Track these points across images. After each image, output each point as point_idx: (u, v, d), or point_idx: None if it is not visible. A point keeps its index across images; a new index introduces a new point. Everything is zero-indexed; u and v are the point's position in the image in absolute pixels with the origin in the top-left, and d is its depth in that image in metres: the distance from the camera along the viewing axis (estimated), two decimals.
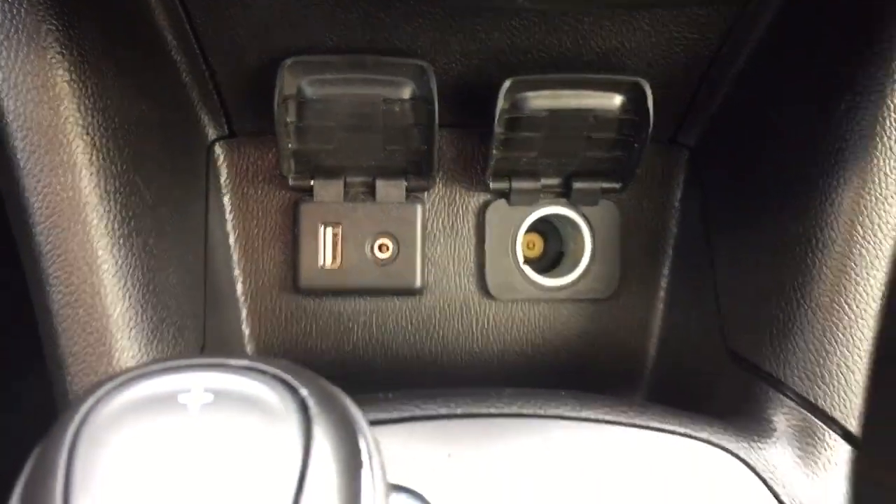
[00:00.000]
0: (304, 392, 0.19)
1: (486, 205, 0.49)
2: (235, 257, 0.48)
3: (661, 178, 0.50)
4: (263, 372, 0.20)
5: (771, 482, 0.39)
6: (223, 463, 0.18)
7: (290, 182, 0.47)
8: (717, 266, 0.46)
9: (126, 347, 0.37)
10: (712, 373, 0.45)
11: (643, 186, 0.50)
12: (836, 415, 0.40)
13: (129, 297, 0.37)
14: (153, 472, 0.17)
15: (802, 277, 0.40)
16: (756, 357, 0.42)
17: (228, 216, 0.48)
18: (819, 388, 0.40)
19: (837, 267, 0.39)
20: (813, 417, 0.40)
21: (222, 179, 0.48)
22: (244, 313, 0.48)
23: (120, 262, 0.37)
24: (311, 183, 0.47)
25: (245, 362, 0.20)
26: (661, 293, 0.50)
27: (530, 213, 0.49)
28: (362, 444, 0.20)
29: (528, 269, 0.50)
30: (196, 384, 0.19)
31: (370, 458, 0.20)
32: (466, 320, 0.50)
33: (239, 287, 0.48)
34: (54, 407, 0.41)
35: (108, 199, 0.37)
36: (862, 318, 0.40)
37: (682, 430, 0.40)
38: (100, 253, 0.37)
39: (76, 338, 0.36)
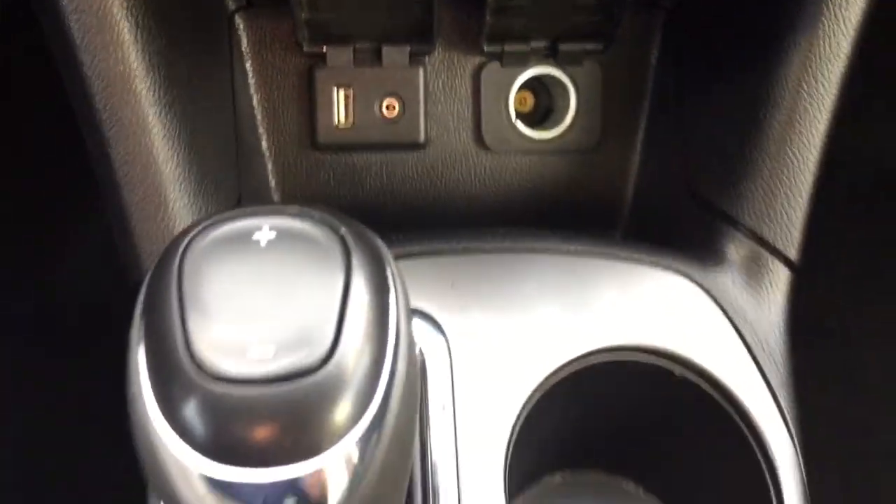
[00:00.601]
0: (343, 230, 0.26)
1: (481, 66, 0.55)
2: (259, 118, 0.54)
3: (639, 40, 0.55)
4: (311, 215, 0.26)
5: (723, 302, 0.47)
6: (288, 280, 0.24)
7: (305, 49, 0.52)
8: (687, 121, 0.52)
9: (177, 198, 0.44)
10: (678, 214, 0.52)
11: (624, 48, 0.55)
12: (780, 245, 0.47)
13: (177, 156, 0.43)
14: (240, 284, 0.24)
15: (756, 130, 0.46)
16: (715, 199, 0.49)
17: (251, 81, 0.53)
18: (766, 223, 0.47)
19: (785, 120, 0.46)
20: (760, 248, 0.48)
21: (243, 48, 0.53)
22: (270, 167, 0.55)
23: (167, 125, 0.43)
24: (324, 49, 0.52)
25: (296, 209, 0.27)
26: (638, 145, 0.57)
27: (521, 74, 0.55)
28: (388, 272, 0.26)
29: (519, 124, 0.56)
30: (263, 225, 0.25)
31: (395, 282, 0.26)
32: (465, 169, 0.57)
33: (264, 144, 0.54)
34: (114, 250, 0.48)
35: (153, 71, 0.42)
36: (804, 164, 0.46)
37: (650, 259, 0.47)
38: (150, 118, 0.43)
39: (136, 190, 0.43)
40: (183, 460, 0.22)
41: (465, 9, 0.53)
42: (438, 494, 0.40)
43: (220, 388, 0.22)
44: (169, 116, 0.43)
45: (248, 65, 0.53)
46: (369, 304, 0.24)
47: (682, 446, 0.51)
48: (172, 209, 0.43)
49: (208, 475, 0.22)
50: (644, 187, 0.56)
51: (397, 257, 0.44)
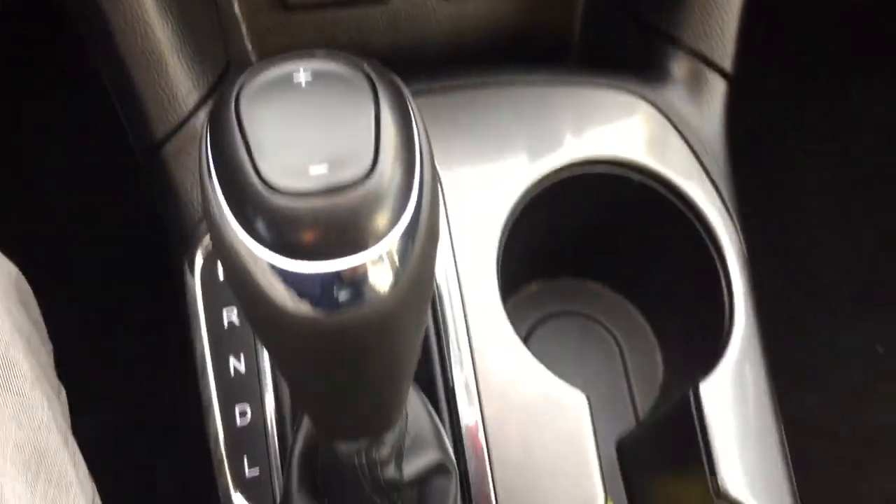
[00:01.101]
0: (366, 68, 0.31)
1: None
2: None
3: None
4: (338, 57, 0.31)
5: (670, 115, 0.53)
6: (329, 112, 0.29)
7: None
8: None
9: (176, 64, 0.47)
10: (624, 39, 0.57)
11: None
12: (716, 59, 0.53)
13: (170, 24, 0.47)
14: (291, 118, 0.29)
15: None
16: (657, 22, 0.54)
17: None
18: (703, 40, 0.53)
19: None
20: (699, 63, 0.54)
21: None
22: (245, 31, 0.58)
23: None
24: None
25: (324, 52, 0.31)
26: None
27: None
28: (408, 101, 0.31)
29: None
30: (300, 68, 0.30)
31: (413, 109, 0.31)
32: (425, 18, 0.60)
33: (237, 9, 0.57)
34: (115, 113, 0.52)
35: None
36: None
37: (605, 82, 0.53)
38: None
39: (138, 57, 0.46)
40: (262, 257, 0.27)
41: None
42: (444, 304, 0.47)
43: (288, 202, 0.27)
44: None
45: None
46: (397, 127, 0.29)
47: (641, 246, 0.59)
48: (173, 74, 0.47)
49: (283, 267, 0.27)
50: (591, 18, 0.61)
51: None
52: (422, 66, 0.61)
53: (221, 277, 0.47)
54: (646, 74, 0.54)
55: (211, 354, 0.47)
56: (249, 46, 0.58)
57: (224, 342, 0.47)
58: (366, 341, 0.30)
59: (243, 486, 0.45)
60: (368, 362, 0.32)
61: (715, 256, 0.53)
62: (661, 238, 0.56)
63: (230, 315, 0.48)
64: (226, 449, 0.46)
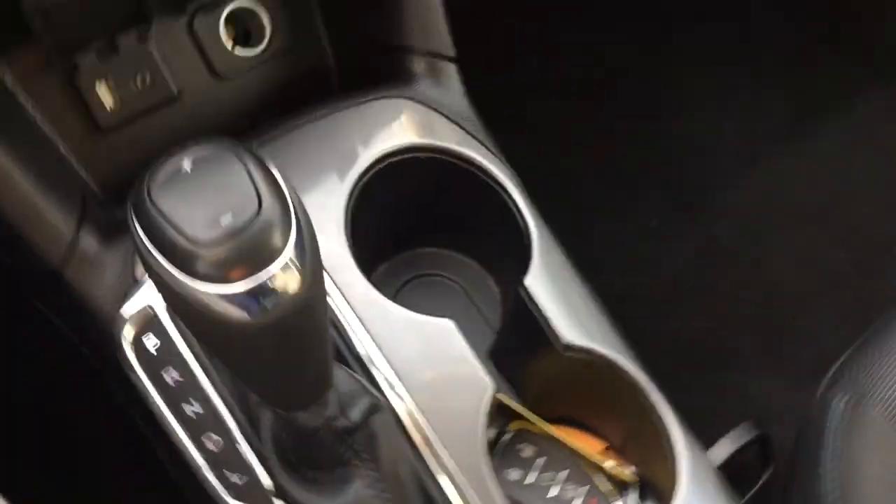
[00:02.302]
0: (226, 144, 0.41)
1: (191, 19, 0.70)
2: (49, 130, 0.67)
3: None
4: (203, 143, 0.42)
5: (427, 102, 0.69)
6: (216, 181, 0.40)
7: (56, 64, 0.65)
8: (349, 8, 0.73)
9: (49, 203, 0.58)
10: (375, 64, 0.73)
11: None
12: (442, 51, 0.70)
13: (31, 173, 0.58)
14: (190, 192, 0.39)
15: None
16: (393, 41, 0.71)
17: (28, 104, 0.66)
18: (428, 41, 0.70)
19: None
20: (431, 58, 0.71)
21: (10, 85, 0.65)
22: (75, 162, 0.69)
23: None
24: (74, 58, 0.65)
25: (192, 142, 0.40)
26: (321, 25, 0.76)
27: (221, 13, 0.71)
28: (262, 157, 0.41)
29: (237, 49, 0.73)
30: (183, 158, 0.39)
31: (267, 160, 0.42)
32: (215, 100, 0.72)
33: (62, 147, 0.68)
34: None
35: None
36: None
37: (371, 96, 0.68)
38: None
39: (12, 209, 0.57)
40: (206, 290, 0.37)
41: None
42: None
43: (217, 247, 0.38)
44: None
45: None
46: (264, 174, 0.38)
47: (456, 208, 0.74)
48: (48, 212, 0.58)
49: (222, 293, 0.37)
50: (342, 57, 0.76)
51: None
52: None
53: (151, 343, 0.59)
54: (399, 80, 0.70)
55: (173, 414, 0.58)
56: (85, 173, 0.69)
57: (176, 397, 0.59)
58: (295, 325, 0.41)
59: (237, 492, 0.58)
60: (303, 340, 0.44)
61: (501, 191, 0.69)
62: (464, 196, 0.71)
63: (171, 375, 0.59)
64: (211, 470, 0.57)
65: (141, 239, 0.37)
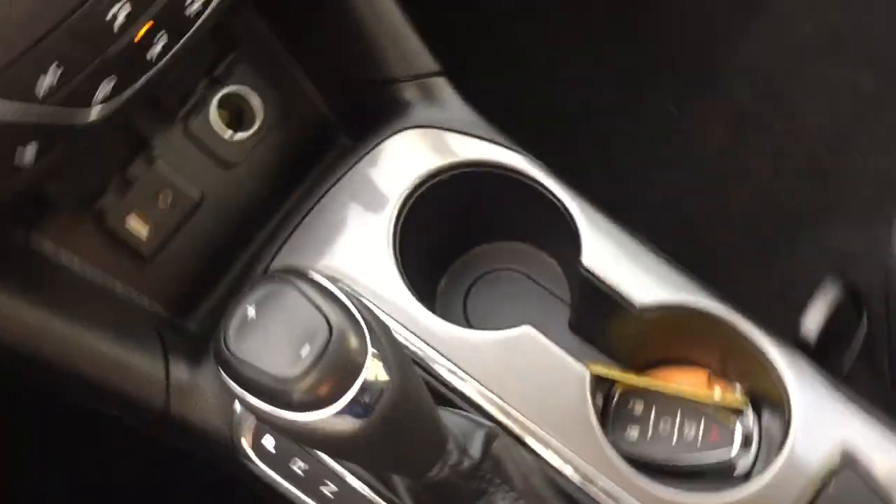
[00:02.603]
0: (278, 276, 0.44)
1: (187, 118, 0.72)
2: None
3: None
4: (259, 284, 0.44)
5: (435, 123, 0.70)
6: (282, 317, 0.42)
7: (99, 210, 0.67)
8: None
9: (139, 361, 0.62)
10: (372, 102, 0.73)
11: None
12: (425, 70, 0.71)
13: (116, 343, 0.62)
14: (261, 335, 0.42)
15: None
16: (378, 77, 0.71)
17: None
18: (408, 67, 0.70)
19: None
20: (420, 79, 0.71)
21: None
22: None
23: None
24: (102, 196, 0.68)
25: (248, 287, 0.44)
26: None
27: (212, 100, 0.73)
28: (313, 276, 0.44)
29: (230, 133, 0.74)
30: (246, 305, 0.43)
31: (319, 278, 0.45)
32: (224, 184, 0.73)
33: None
34: None
35: None
36: None
37: (397, 130, 0.70)
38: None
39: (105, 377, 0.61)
40: (309, 419, 0.40)
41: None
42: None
43: (303, 382, 0.41)
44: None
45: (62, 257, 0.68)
46: (323, 296, 0.40)
47: (500, 211, 0.75)
48: (138, 366, 0.62)
49: (325, 416, 0.40)
50: (337, 105, 0.77)
51: None
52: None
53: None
54: (396, 111, 0.71)
55: (312, 500, 0.62)
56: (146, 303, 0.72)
57: (310, 483, 0.62)
58: (401, 411, 0.44)
59: None
60: (412, 419, 0.47)
61: (529, 181, 0.70)
62: (496, 196, 0.72)
63: (297, 465, 0.63)
64: None
65: (236, 390, 0.40)
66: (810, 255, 1.17)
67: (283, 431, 0.44)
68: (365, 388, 0.40)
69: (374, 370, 0.41)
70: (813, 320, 0.95)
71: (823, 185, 1.19)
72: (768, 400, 0.68)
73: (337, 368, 0.40)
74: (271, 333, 0.40)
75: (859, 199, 1.15)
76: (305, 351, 0.39)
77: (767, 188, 1.20)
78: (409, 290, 0.64)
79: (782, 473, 0.60)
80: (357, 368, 0.40)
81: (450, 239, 0.75)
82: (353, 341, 0.40)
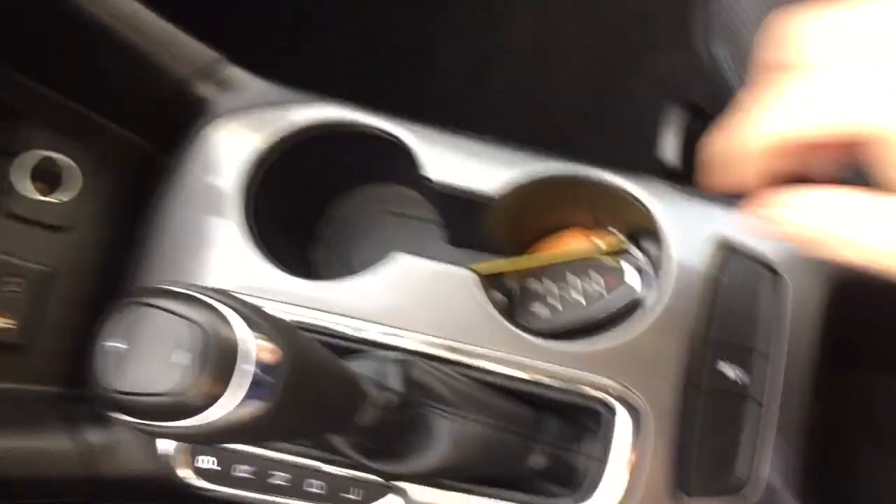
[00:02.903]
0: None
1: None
2: None
3: None
4: None
5: (243, 106, 0.70)
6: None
7: None
8: None
9: None
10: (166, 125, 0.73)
11: None
12: (210, 63, 0.71)
13: None
14: (135, 363, 0.44)
15: None
16: (166, 88, 0.71)
17: None
18: (195, 61, 0.70)
19: None
20: (211, 72, 0.71)
21: None
22: None
23: None
24: None
25: None
26: None
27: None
28: None
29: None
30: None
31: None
32: None
33: None
34: None
35: None
36: None
37: (188, 141, 0.69)
38: None
39: None
40: (214, 417, 0.40)
41: None
42: None
43: (191, 384, 0.41)
44: None
45: None
46: (183, 301, 0.41)
47: (344, 163, 0.75)
48: (53, 453, 0.61)
49: (231, 407, 0.42)
50: (141, 128, 0.76)
51: None
52: None
53: None
54: (202, 109, 0.71)
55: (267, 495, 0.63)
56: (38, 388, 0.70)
57: (260, 483, 0.63)
58: (303, 381, 0.45)
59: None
60: (314, 378, 0.48)
61: (368, 129, 0.71)
62: (345, 149, 0.72)
63: (240, 470, 0.63)
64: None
65: (138, 424, 0.40)
66: (644, 90, 1.22)
67: (209, 440, 0.45)
68: (259, 366, 0.41)
69: (259, 348, 0.42)
70: (669, 147, 1.00)
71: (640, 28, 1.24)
72: (643, 231, 0.71)
73: (222, 361, 0.40)
74: (144, 356, 0.40)
75: (670, 30, 1.20)
76: (185, 358, 0.39)
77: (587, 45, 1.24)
78: (279, 267, 0.65)
79: (678, 287, 0.63)
80: (242, 353, 0.41)
81: (305, 205, 0.76)
82: (227, 330, 0.41)
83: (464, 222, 0.72)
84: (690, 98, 1.03)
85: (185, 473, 0.63)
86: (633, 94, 1.20)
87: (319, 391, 0.49)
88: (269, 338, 0.42)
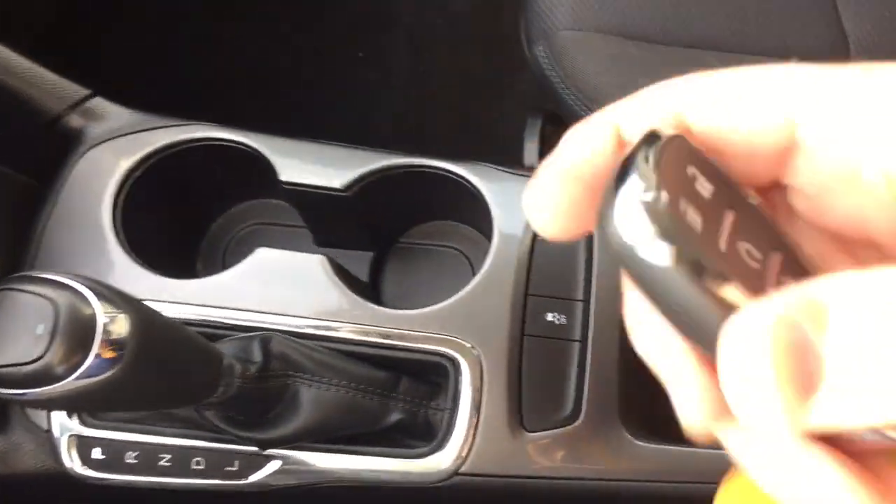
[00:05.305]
0: None
1: None
2: None
3: None
4: None
5: (114, 135, 0.78)
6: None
7: None
8: None
9: None
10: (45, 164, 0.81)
11: None
12: (75, 98, 0.79)
13: None
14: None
15: None
16: (36, 126, 0.78)
17: None
18: (62, 100, 0.78)
19: None
20: (78, 107, 0.79)
21: None
22: None
23: None
24: None
25: None
26: None
27: None
28: None
29: None
30: None
31: None
32: None
33: None
34: None
35: None
36: None
37: (60, 181, 0.77)
38: None
39: None
40: (87, 382, 0.49)
41: None
42: None
43: (58, 350, 0.49)
44: None
45: None
46: (38, 283, 0.51)
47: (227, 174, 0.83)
48: None
49: (96, 369, 0.50)
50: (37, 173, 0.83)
51: None
52: None
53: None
54: (76, 141, 0.78)
55: (156, 478, 0.69)
56: None
57: (147, 467, 0.69)
58: (156, 348, 0.53)
59: (239, 475, 0.69)
60: (168, 347, 0.55)
61: (225, 143, 0.79)
62: (212, 165, 0.80)
63: (129, 456, 0.70)
64: (216, 477, 0.69)
65: (7, 394, 0.47)
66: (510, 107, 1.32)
67: (73, 404, 0.51)
68: (109, 334, 0.48)
69: (110, 319, 0.49)
70: (529, 153, 1.10)
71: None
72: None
73: (78, 331, 0.46)
74: (13, 333, 0.46)
75: None
76: (46, 330, 0.46)
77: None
78: (153, 271, 0.72)
79: (500, 251, 0.72)
80: (96, 323, 0.48)
81: (187, 222, 0.83)
82: (81, 303, 0.47)
83: (321, 221, 0.80)
84: (545, 107, 1.14)
85: (79, 467, 0.69)
86: (502, 112, 1.31)
87: (174, 359, 0.56)
88: (119, 309, 0.49)
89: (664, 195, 0.23)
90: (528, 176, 0.75)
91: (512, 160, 1.03)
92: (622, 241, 0.24)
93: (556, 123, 1.12)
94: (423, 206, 0.83)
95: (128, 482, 0.69)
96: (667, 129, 0.25)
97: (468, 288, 0.71)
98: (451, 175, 0.76)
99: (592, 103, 0.82)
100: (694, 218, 0.24)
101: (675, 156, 0.24)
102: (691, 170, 0.25)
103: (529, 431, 0.69)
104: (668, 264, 0.23)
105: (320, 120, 1.29)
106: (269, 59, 1.32)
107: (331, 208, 0.77)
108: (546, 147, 1.10)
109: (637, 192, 0.23)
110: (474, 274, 0.73)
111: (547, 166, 0.27)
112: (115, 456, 0.69)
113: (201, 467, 0.69)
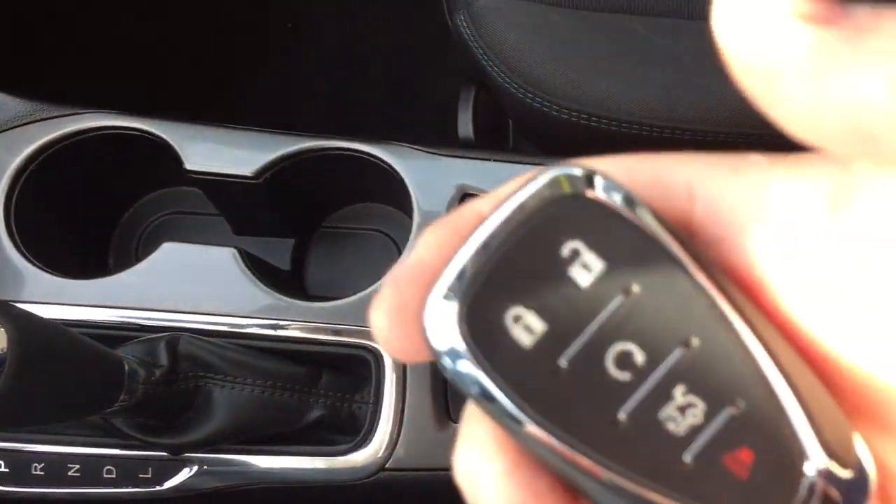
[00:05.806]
0: None
1: None
2: None
3: None
4: None
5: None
6: None
7: None
8: None
9: None
10: None
11: None
12: None
13: None
14: None
15: None
16: None
17: None
18: None
19: None
20: None
21: None
22: None
23: None
24: None
25: None
26: None
27: None
28: None
29: None
30: None
31: None
32: None
33: None
34: None
35: None
36: None
37: None
38: None
39: None
40: None
41: None
42: None
43: None
44: None
45: None
46: None
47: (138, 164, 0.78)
48: None
49: None
50: None
51: None
52: None
53: None
54: None
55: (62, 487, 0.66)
56: None
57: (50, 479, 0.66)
58: (39, 356, 0.49)
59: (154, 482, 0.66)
60: (61, 358, 0.52)
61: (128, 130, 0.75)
62: (125, 155, 0.76)
63: (36, 468, 0.66)
64: (126, 485, 0.66)
65: None
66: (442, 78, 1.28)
67: None
68: None
69: None
70: (462, 123, 1.06)
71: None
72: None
73: None
74: None
75: None
76: None
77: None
78: (47, 270, 0.68)
79: (422, 228, 0.69)
80: None
81: (98, 213, 0.79)
82: None
83: (234, 209, 0.77)
84: (476, 76, 1.10)
85: None
86: (434, 84, 1.27)
87: (64, 370, 0.52)
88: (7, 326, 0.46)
89: (477, 303, 0.19)
90: (445, 155, 0.73)
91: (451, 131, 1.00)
92: (432, 348, 0.20)
93: (488, 92, 1.08)
94: (343, 190, 0.79)
95: (37, 495, 0.66)
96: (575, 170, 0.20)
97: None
98: (367, 157, 0.72)
99: (514, 74, 0.78)
100: (529, 327, 0.19)
101: (537, 234, 0.19)
102: (572, 245, 0.19)
103: (457, 422, 0.66)
104: (472, 393, 0.19)
105: (242, 98, 1.24)
106: (188, 34, 1.26)
107: (243, 196, 0.73)
108: (476, 117, 1.07)
109: (442, 293, 0.19)
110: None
111: (392, 273, 0.22)
112: (20, 468, 0.65)
113: (113, 476, 0.66)
